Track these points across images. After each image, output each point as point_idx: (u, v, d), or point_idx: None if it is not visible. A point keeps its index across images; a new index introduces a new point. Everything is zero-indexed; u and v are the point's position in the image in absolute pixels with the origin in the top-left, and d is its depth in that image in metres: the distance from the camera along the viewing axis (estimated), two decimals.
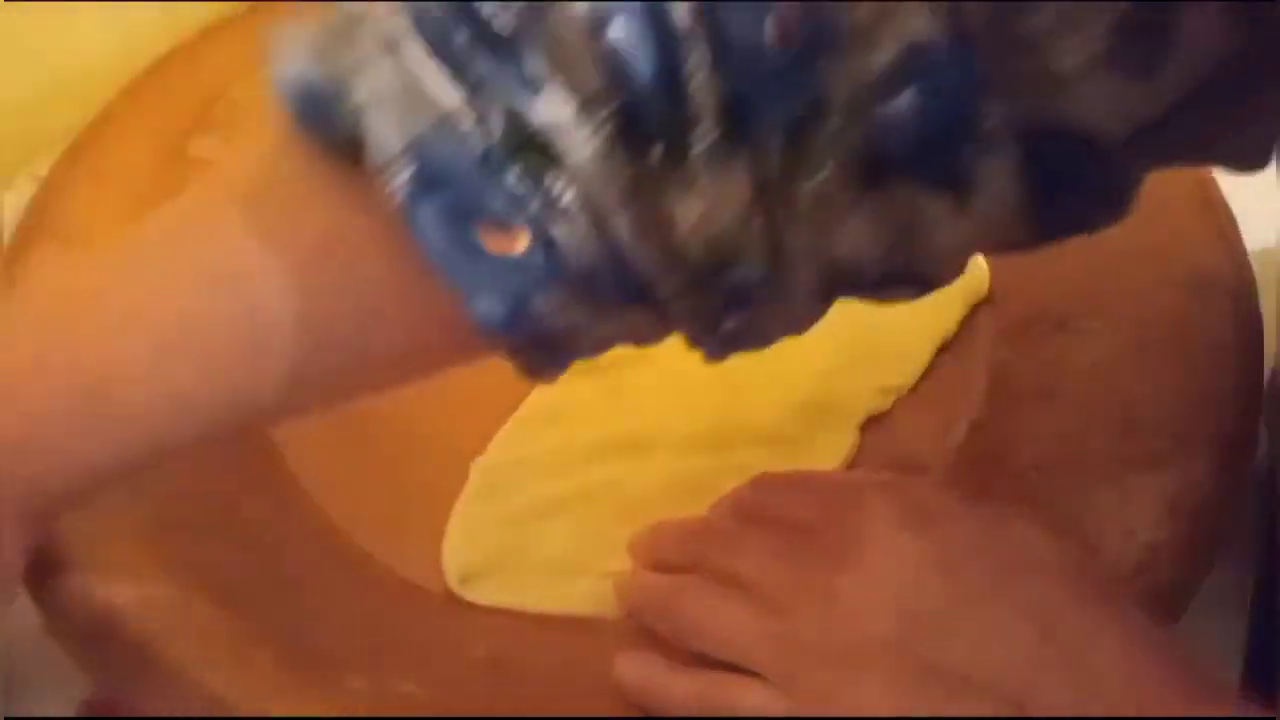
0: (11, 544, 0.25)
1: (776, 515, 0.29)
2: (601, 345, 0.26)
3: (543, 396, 0.37)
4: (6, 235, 0.40)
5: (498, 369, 0.38)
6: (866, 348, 0.37)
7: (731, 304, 0.25)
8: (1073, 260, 0.38)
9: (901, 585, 0.26)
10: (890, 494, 0.28)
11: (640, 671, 0.29)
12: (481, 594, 0.33)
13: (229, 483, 0.35)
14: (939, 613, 0.25)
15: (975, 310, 0.39)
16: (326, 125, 0.24)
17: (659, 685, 0.28)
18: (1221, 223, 0.38)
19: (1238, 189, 0.39)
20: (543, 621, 0.32)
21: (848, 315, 0.28)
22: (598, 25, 0.22)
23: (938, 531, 0.27)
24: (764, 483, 0.30)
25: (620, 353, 0.37)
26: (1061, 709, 0.24)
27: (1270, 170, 0.35)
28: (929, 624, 0.25)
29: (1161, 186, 0.39)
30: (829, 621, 0.26)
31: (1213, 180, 0.39)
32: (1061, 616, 0.25)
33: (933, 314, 0.38)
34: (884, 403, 0.37)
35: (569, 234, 0.23)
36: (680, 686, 0.28)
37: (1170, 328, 0.35)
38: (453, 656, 0.31)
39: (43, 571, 0.31)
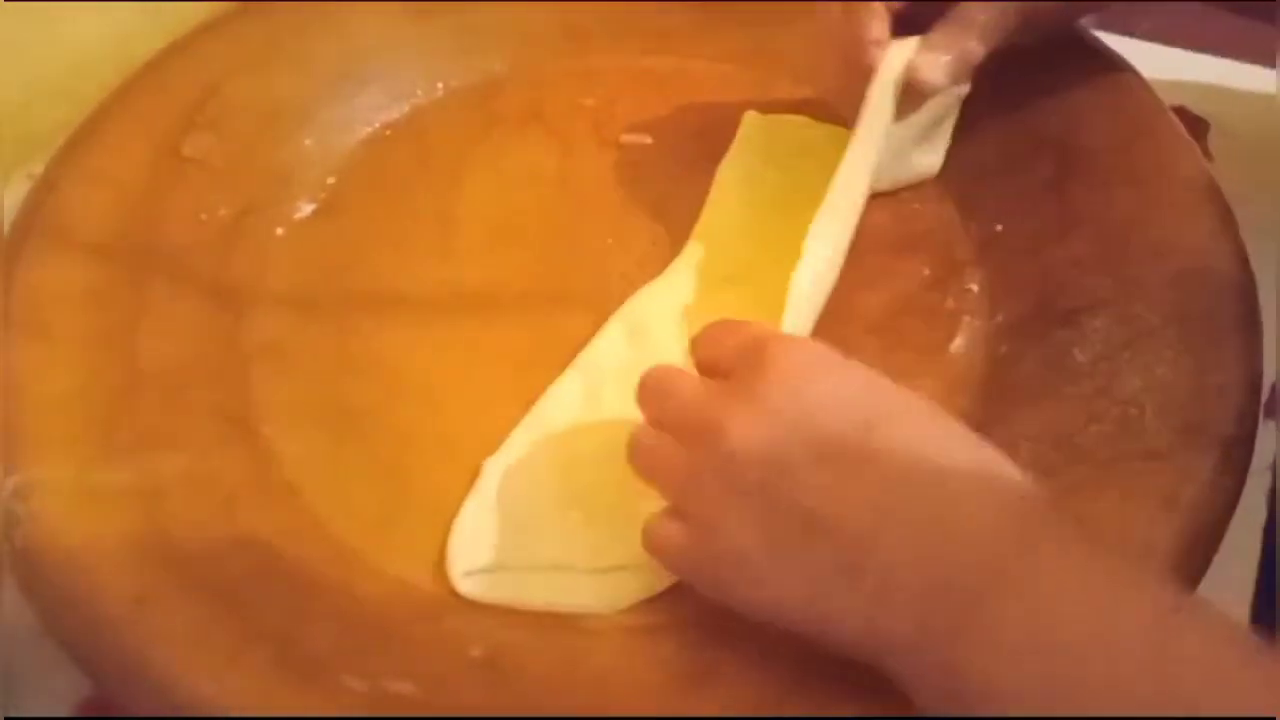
0: None
1: (707, 360, 0.31)
2: None
3: (553, 399, 0.37)
4: (1, 235, 0.40)
5: (493, 372, 0.39)
6: None
7: None
8: (1072, 255, 0.38)
9: (777, 431, 0.27)
10: (789, 349, 0.29)
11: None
12: (483, 591, 0.33)
13: (225, 485, 0.35)
14: (804, 458, 0.27)
15: (972, 307, 0.39)
16: None
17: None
18: (1222, 216, 0.38)
19: (1238, 182, 0.39)
20: (539, 622, 0.32)
21: None
22: None
23: (821, 385, 0.28)
24: (705, 331, 0.32)
25: (630, 359, 0.38)
26: (904, 553, 0.26)
27: (1267, 162, 0.35)
28: (794, 468, 0.27)
29: (1161, 180, 0.39)
30: (717, 460, 0.28)
31: (1210, 173, 0.39)
32: (916, 466, 0.27)
33: None
34: None
35: None
36: None
37: (1170, 323, 0.35)
38: (449, 657, 0.31)
39: (38, 569, 0.31)
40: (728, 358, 0.30)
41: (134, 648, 0.30)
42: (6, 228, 0.40)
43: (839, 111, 0.43)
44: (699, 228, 0.41)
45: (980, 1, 0.38)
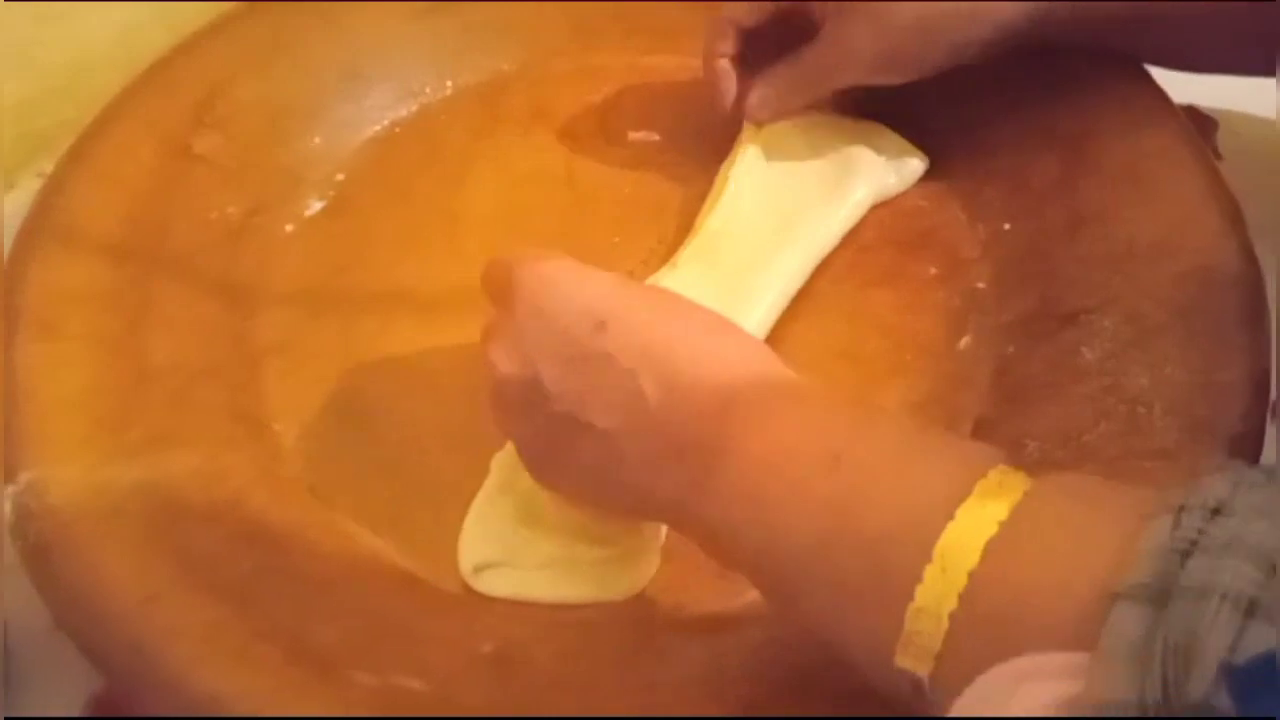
0: None
1: (492, 301, 0.34)
2: None
3: None
4: (10, 233, 0.40)
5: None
6: None
7: None
8: (1080, 254, 0.38)
9: (526, 350, 0.31)
10: (531, 270, 0.32)
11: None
12: (493, 586, 0.33)
13: (235, 482, 0.35)
14: (552, 370, 0.30)
15: (980, 305, 0.39)
16: None
17: None
18: (1229, 215, 0.38)
19: (1245, 181, 0.39)
20: (549, 618, 0.32)
21: None
22: None
23: (558, 296, 0.31)
24: (484, 272, 0.34)
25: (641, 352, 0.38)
26: (648, 431, 0.29)
27: (1271, 159, 0.35)
28: (545, 381, 0.30)
29: (1167, 178, 0.39)
30: (495, 390, 0.32)
31: (1218, 171, 0.39)
32: (648, 351, 0.30)
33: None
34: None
35: None
36: None
37: (1177, 321, 0.35)
38: (460, 653, 0.31)
39: (50, 565, 0.32)
40: (501, 293, 0.32)
41: (145, 643, 0.30)
42: (16, 227, 0.40)
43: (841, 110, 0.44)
44: (699, 225, 0.41)
45: (830, 43, 0.39)
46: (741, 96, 0.42)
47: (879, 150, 0.42)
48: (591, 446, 0.30)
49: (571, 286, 0.31)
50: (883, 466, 0.26)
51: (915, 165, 0.42)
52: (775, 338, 0.39)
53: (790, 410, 0.28)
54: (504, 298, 0.32)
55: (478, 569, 0.34)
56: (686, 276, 0.39)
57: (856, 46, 0.39)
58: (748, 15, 0.41)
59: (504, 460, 0.36)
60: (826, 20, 0.39)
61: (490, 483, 0.35)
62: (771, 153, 0.43)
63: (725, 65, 0.42)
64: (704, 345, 0.30)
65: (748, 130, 0.44)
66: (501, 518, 0.35)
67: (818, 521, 0.26)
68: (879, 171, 0.42)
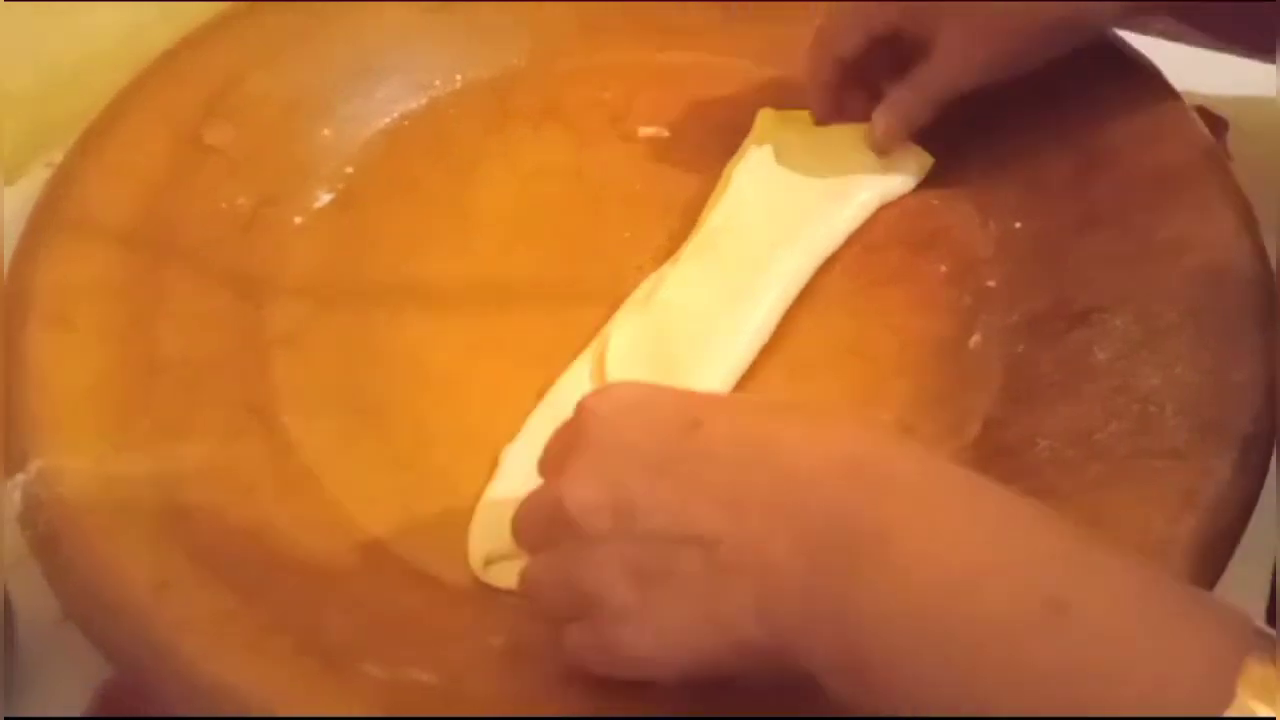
0: None
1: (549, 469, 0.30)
2: None
3: (566, 385, 0.37)
4: (20, 225, 0.40)
5: (510, 363, 0.39)
6: None
7: None
8: (1091, 253, 0.38)
9: (606, 473, 0.27)
10: (598, 402, 0.28)
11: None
12: (504, 578, 0.33)
13: (245, 474, 0.35)
14: (640, 484, 0.26)
15: (991, 304, 0.39)
16: None
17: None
18: (1241, 215, 0.38)
19: (1256, 181, 0.39)
20: None
21: None
22: None
23: (635, 413, 0.27)
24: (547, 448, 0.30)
25: (640, 344, 0.38)
26: (768, 535, 0.24)
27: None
28: (634, 497, 0.26)
29: (1180, 178, 0.39)
30: (566, 531, 0.27)
31: (1230, 171, 0.39)
32: (748, 447, 0.26)
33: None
34: None
35: None
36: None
37: (1188, 321, 0.35)
38: (470, 646, 0.31)
39: (60, 555, 0.31)
40: (569, 443, 0.28)
41: (155, 634, 0.30)
42: (24, 217, 0.40)
43: None
44: (702, 221, 0.41)
45: (946, 58, 0.39)
46: (846, 115, 0.42)
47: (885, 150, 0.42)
48: (696, 562, 0.24)
49: (652, 397, 0.27)
50: (1120, 633, 0.20)
51: (921, 164, 0.42)
52: (785, 335, 0.39)
53: (966, 503, 0.23)
54: (568, 445, 0.27)
55: (488, 561, 0.34)
56: (689, 272, 0.39)
57: (968, 58, 0.39)
58: (846, 48, 0.41)
59: (514, 452, 0.36)
60: (939, 35, 0.39)
61: (500, 475, 0.35)
62: (777, 152, 0.43)
63: (829, 98, 0.42)
64: (815, 428, 0.25)
65: (756, 128, 0.44)
66: (512, 510, 0.34)
67: (1026, 686, 0.20)
68: (884, 172, 0.42)
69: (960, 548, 0.22)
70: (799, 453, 0.25)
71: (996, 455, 0.35)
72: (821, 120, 0.43)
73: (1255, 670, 0.20)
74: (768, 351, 0.38)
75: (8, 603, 0.32)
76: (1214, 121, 0.45)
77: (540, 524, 0.29)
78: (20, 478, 0.32)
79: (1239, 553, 0.32)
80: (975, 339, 0.38)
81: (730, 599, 0.25)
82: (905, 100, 0.41)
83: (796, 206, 0.41)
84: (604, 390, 0.29)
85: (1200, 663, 0.20)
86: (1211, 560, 0.31)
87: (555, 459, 0.29)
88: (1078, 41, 0.39)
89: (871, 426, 0.28)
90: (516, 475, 0.35)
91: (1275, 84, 0.36)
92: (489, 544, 0.34)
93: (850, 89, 0.42)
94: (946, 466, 0.25)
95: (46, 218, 0.40)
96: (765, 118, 0.44)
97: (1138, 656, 0.20)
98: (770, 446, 0.25)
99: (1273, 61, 0.38)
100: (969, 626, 0.21)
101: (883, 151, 0.42)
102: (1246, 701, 0.20)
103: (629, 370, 0.37)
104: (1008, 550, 0.22)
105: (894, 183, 0.42)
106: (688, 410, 0.26)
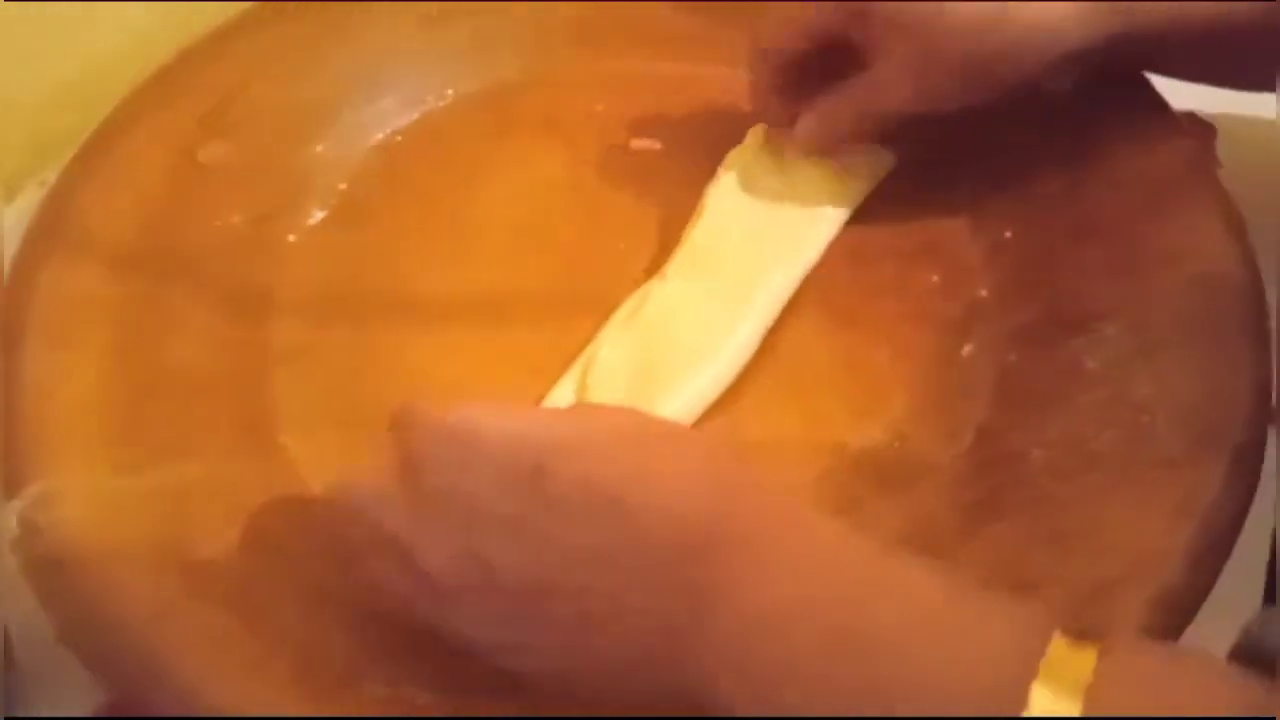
0: None
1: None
2: None
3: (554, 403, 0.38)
4: (16, 240, 0.40)
5: (508, 377, 0.39)
6: None
7: None
8: (1083, 262, 0.39)
9: (453, 541, 0.27)
10: (422, 439, 0.29)
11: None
12: None
13: (244, 492, 0.35)
14: (496, 547, 0.27)
15: (983, 314, 0.39)
16: None
17: None
18: (1231, 223, 0.38)
19: (1244, 189, 0.39)
20: None
21: None
22: None
23: (474, 469, 0.28)
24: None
25: (625, 359, 0.38)
26: (594, 589, 0.26)
27: (1269, 165, 0.35)
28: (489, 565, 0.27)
29: (1171, 187, 0.39)
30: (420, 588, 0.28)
31: (1220, 180, 0.39)
32: (590, 500, 0.26)
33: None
34: None
35: None
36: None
37: (1181, 330, 0.35)
38: (469, 665, 0.31)
39: (57, 577, 0.32)
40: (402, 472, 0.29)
41: (154, 657, 0.30)
42: (18, 233, 0.40)
43: None
44: (689, 236, 0.41)
45: (875, 77, 0.38)
46: (789, 120, 0.41)
47: (850, 154, 0.42)
48: (565, 613, 0.26)
49: (489, 433, 0.27)
50: (921, 644, 0.23)
51: (880, 164, 0.42)
52: (778, 347, 0.39)
53: (789, 547, 0.25)
54: (414, 487, 0.27)
55: None
56: (673, 290, 0.39)
57: (900, 84, 0.38)
58: (788, 42, 0.40)
59: None
60: (873, 53, 0.38)
61: None
62: (752, 168, 0.43)
63: (765, 99, 0.41)
64: (664, 469, 0.26)
65: (743, 145, 0.44)
66: None
67: (841, 710, 0.23)
68: (852, 178, 0.42)
69: (779, 584, 0.25)
70: (644, 507, 0.26)
71: (990, 464, 0.35)
72: (766, 122, 0.43)
73: (1055, 651, 0.22)
74: (760, 364, 0.38)
75: (3, 624, 0.32)
76: (1203, 129, 0.45)
77: (395, 572, 0.29)
78: (16, 503, 0.32)
79: (1231, 560, 0.32)
80: (968, 349, 0.38)
81: (596, 645, 0.26)
82: (832, 110, 0.39)
83: (771, 221, 0.41)
84: (431, 421, 0.28)
85: (996, 654, 0.23)
86: (1206, 568, 0.31)
87: (388, 502, 0.29)
88: (1028, 80, 0.37)
89: (715, 454, 0.27)
90: None
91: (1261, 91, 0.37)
92: None
93: (795, 94, 0.41)
94: (778, 503, 0.27)
95: (43, 235, 0.40)
96: (755, 134, 0.44)
97: (935, 669, 0.23)
98: (614, 496, 0.26)
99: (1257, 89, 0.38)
100: (780, 657, 0.24)
101: (806, 153, 0.41)
102: (1046, 685, 0.22)
103: (612, 388, 0.37)
104: (816, 585, 0.25)
105: (856, 188, 0.42)
106: (526, 455, 0.26)
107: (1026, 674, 0.22)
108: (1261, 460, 0.33)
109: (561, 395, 0.38)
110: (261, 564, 0.33)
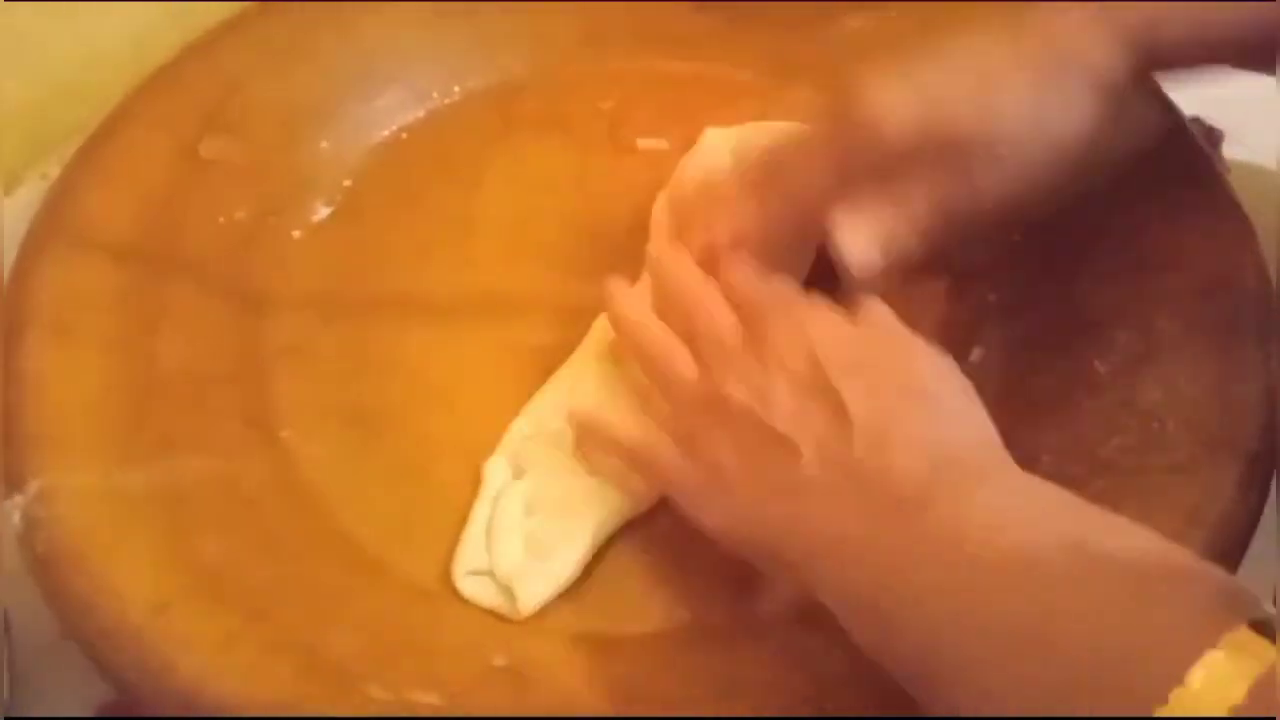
0: None
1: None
2: None
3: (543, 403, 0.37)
4: (18, 235, 0.40)
5: (512, 375, 0.39)
6: None
7: None
8: (1092, 267, 0.38)
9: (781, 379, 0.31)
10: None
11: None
12: (477, 593, 0.33)
13: (246, 489, 0.35)
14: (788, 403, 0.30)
15: (991, 318, 0.39)
16: None
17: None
18: (1240, 228, 0.38)
19: (1250, 194, 0.39)
20: (563, 630, 0.32)
21: None
22: None
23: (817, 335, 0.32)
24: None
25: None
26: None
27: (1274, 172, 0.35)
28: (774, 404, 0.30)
29: (1179, 192, 0.39)
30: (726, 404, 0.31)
31: (1229, 185, 0.39)
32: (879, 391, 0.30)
33: None
34: None
35: None
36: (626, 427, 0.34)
37: (1189, 335, 0.35)
38: (472, 666, 0.31)
39: (59, 574, 0.31)
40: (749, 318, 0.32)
41: (156, 654, 0.30)
42: (20, 228, 0.40)
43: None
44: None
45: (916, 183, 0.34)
46: None
47: None
48: (786, 472, 0.29)
49: (824, 330, 0.31)
50: (1126, 572, 0.24)
51: None
52: None
53: (1012, 482, 0.28)
54: (751, 322, 0.32)
55: (469, 574, 0.33)
56: None
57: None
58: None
59: (494, 465, 0.35)
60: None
61: (484, 489, 0.35)
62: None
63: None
64: (924, 416, 0.29)
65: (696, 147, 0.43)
66: (482, 527, 0.34)
67: (1036, 605, 0.24)
68: None
69: (1000, 515, 0.27)
70: (892, 441, 0.29)
71: None
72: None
73: (1242, 634, 0.22)
74: None
75: (6, 621, 0.32)
76: (1209, 133, 0.45)
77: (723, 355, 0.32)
78: (19, 498, 0.32)
79: (1242, 568, 0.32)
80: (976, 352, 0.38)
81: (805, 508, 0.29)
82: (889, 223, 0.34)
83: None
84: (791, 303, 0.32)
85: (1187, 613, 0.23)
86: None
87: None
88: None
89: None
90: (498, 488, 0.35)
91: (1269, 93, 0.36)
92: (472, 560, 0.33)
93: None
94: (1008, 461, 0.30)
95: (46, 229, 0.40)
96: (710, 136, 0.43)
97: (1130, 593, 0.24)
98: (881, 426, 0.29)
99: (1265, 72, 0.38)
100: (996, 554, 0.26)
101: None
102: (1228, 654, 0.22)
103: (600, 399, 0.36)
104: (1046, 516, 0.27)
105: None
106: (842, 356, 0.31)
107: (1207, 639, 0.22)
108: (1273, 467, 0.33)
109: (552, 397, 0.37)
110: (263, 561, 0.33)
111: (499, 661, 0.31)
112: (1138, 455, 0.33)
